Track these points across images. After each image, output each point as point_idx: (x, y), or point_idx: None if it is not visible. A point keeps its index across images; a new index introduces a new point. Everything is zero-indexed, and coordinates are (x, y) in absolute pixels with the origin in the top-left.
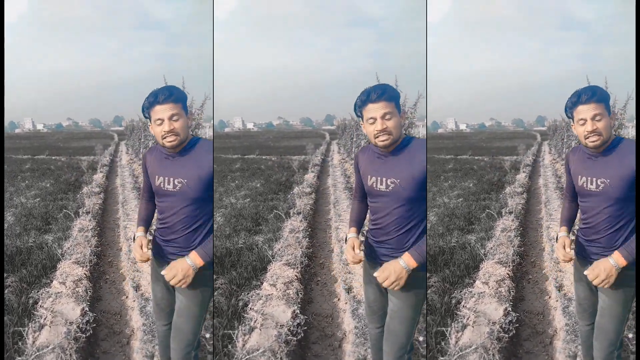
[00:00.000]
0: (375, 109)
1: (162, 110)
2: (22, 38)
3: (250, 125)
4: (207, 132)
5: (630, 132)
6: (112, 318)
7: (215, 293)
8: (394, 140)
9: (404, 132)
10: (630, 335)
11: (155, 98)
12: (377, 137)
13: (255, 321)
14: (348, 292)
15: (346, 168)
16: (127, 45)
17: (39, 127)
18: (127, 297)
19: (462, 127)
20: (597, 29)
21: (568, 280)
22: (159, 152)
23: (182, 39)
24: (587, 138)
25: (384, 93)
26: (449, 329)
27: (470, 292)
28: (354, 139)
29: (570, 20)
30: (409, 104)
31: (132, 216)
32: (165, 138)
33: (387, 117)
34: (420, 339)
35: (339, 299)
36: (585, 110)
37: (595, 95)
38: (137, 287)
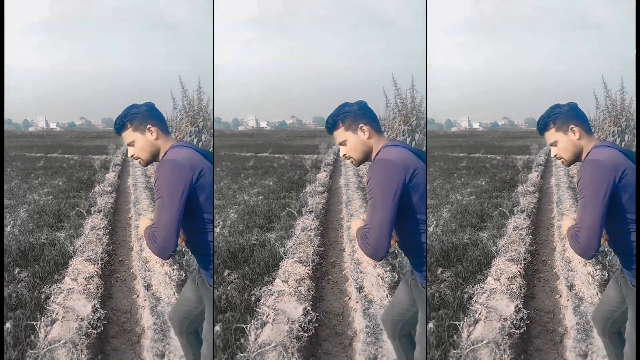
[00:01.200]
0: (334, 137)
1: (123, 138)
2: (37, 37)
3: (263, 124)
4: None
5: None
6: (123, 316)
7: (229, 287)
8: (359, 160)
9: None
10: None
11: (114, 129)
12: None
13: (267, 316)
14: (359, 292)
15: (359, 168)
16: (141, 46)
17: (52, 125)
18: (137, 296)
19: (475, 125)
20: (613, 28)
21: (579, 279)
22: None
23: (197, 40)
24: (557, 161)
25: (329, 123)
26: (462, 322)
27: (482, 287)
28: None
29: (585, 19)
30: (425, 105)
31: (145, 215)
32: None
33: (343, 143)
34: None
35: (349, 298)
36: (545, 138)
37: (540, 123)
38: (148, 287)
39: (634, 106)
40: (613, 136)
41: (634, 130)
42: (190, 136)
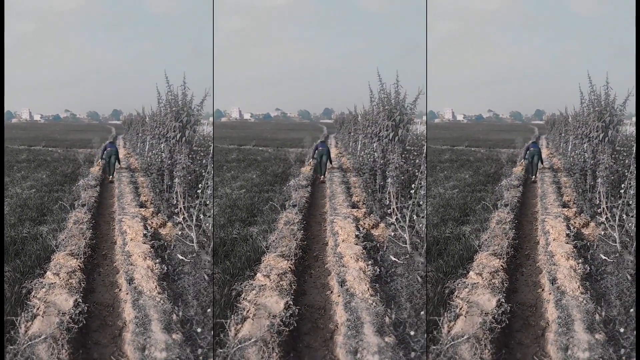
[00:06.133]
0: None
1: None
2: (23, 29)
3: (247, 116)
4: (204, 129)
5: (628, 129)
6: (105, 310)
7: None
8: None
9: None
10: (622, 330)
11: None
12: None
13: (247, 311)
14: (341, 285)
15: (343, 162)
16: (128, 40)
17: (36, 117)
18: (120, 289)
19: (460, 117)
20: (597, 25)
21: (561, 273)
22: None
23: (182, 35)
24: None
25: None
26: (442, 318)
27: (464, 282)
28: (352, 133)
29: (570, 15)
30: (409, 100)
31: (128, 210)
32: None
33: None
34: (412, 333)
35: (332, 292)
36: None
37: None
38: (130, 280)
39: (618, 102)
40: (597, 131)
41: (617, 127)
42: (174, 131)
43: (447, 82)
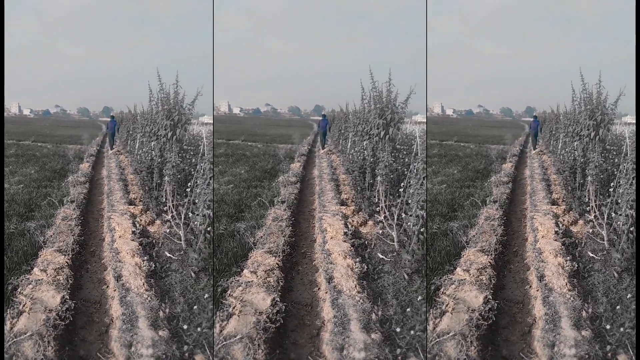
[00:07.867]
0: None
1: None
2: (14, 24)
3: (236, 110)
4: (194, 128)
5: (618, 129)
6: (92, 307)
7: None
8: None
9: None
10: (608, 327)
11: None
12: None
13: (233, 307)
14: (329, 282)
15: (332, 159)
16: (120, 37)
17: (26, 112)
18: (107, 286)
19: (449, 112)
20: (592, 24)
21: (549, 270)
22: None
23: (177, 33)
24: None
25: None
26: (427, 315)
27: (451, 279)
28: (342, 131)
29: (566, 14)
30: (400, 99)
31: (117, 207)
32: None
33: None
34: (398, 330)
35: (319, 289)
36: None
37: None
38: (118, 277)
39: (609, 101)
40: (588, 129)
41: (609, 126)
42: (165, 129)
43: (436, 76)
